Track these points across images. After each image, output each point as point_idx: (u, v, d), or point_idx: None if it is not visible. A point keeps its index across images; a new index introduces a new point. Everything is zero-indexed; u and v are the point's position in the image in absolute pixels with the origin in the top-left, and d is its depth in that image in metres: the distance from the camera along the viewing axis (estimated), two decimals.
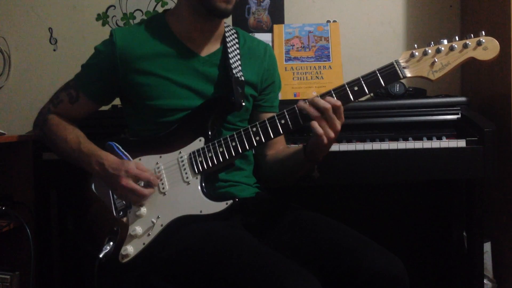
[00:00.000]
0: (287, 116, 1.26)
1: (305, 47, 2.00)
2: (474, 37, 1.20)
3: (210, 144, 1.30)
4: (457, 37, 1.22)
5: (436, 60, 1.21)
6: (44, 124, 1.46)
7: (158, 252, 1.25)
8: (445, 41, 1.22)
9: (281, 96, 1.71)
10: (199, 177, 1.29)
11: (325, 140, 1.22)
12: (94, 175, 1.37)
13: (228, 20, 1.64)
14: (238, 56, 1.42)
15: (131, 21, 2.35)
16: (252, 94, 1.46)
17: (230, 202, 1.26)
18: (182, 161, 1.31)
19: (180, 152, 1.32)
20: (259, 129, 1.27)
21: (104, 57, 1.40)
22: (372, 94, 1.72)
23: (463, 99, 1.82)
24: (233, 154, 1.28)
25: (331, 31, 2.02)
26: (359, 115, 1.78)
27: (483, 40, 1.19)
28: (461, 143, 1.67)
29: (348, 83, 1.24)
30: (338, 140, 1.67)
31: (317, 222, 1.31)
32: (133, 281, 1.27)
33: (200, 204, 1.27)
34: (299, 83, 1.93)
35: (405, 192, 2.15)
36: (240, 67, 1.41)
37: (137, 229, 1.29)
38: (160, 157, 1.34)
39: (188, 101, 1.37)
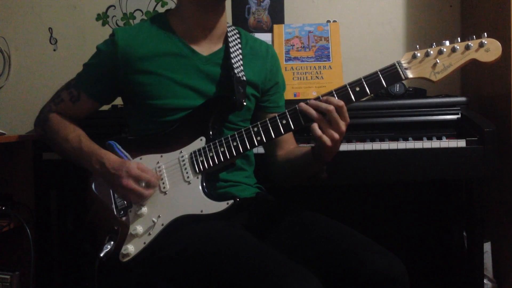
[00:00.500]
0: (288, 116, 1.26)
1: (305, 47, 2.00)
2: (476, 38, 1.20)
3: (211, 143, 1.30)
4: (459, 39, 1.22)
5: (438, 61, 1.21)
6: (45, 123, 1.46)
7: (159, 251, 1.25)
8: (447, 42, 1.22)
9: None
10: (200, 176, 1.29)
11: (328, 142, 1.21)
12: (94, 174, 1.37)
13: (228, 20, 1.64)
14: (240, 56, 1.42)
15: (131, 21, 2.35)
16: (253, 94, 1.46)
17: (231, 202, 1.25)
18: (183, 160, 1.31)
19: (181, 152, 1.32)
20: (260, 129, 1.27)
21: (105, 56, 1.40)
22: (372, 94, 1.72)
23: (463, 99, 1.82)
24: (234, 154, 1.28)
25: (331, 31, 2.02)
26: (359, 115, 1.78)
27: (485, 42, 1.19)
28: (461, 143, 1.67)
29: (349, 84, 1.24)
30: None
31: (317, 222, 1.31)
32: (133, 281, 1.27)
33: (201, 203, 1.27)
34: (299, 83, 1.93)
35: (405, 192, 2.15)
36: (241, 67, 1.41)
37: (138, 228, 1.29)
38: (161, 156, 1.34)
39: (190, 100, 1.37)
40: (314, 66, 1.96)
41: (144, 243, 1.28)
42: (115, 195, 1.34)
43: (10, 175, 1.85)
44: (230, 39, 1.44)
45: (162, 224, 1.28)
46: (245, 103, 1.36)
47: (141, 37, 1.39)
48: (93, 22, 2.34)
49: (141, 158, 1.35)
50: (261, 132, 1.27)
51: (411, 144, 1.68)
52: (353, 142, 1.71)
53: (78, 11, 2.35)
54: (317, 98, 1.24)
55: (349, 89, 1.23)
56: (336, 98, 1.23)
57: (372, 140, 1.73)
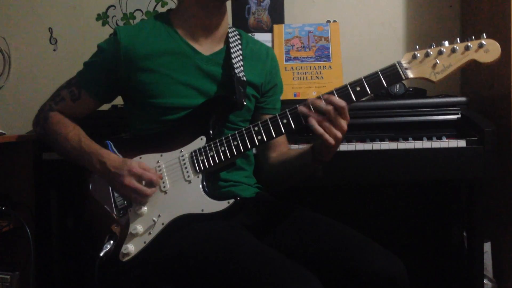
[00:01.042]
0: (289, 115, 1.26)
1: (305, 47, 2.00)
2: (476, 39, 1.21)
3: (211, 143, 1.30)
4: (458, 39, 1.22)
5: (438, 61, 1.21)
6: (45, 122, 1.45)
7: (159, 251, 1.25)
8: (447, 43, 1.22)
9: (281, 96, 1.71)
10: (200, 176, 1.29)
11: (332, 141, 1.21)
12: (94, 174, 1.37)
13: (228, 20, 1.64)
14: (241, 57, 1.43)
15: (131, 21, 2.35)
16: (253, 94, 1.46)
17: (232, 201, 1.25)
18: (183, 159, 1.31)
19: (181, 151, 1.32)
20: (261, 128, 1.27)
21: (107, 55, 1.40)
22: (372, 94, 1.72)
23: (463, 99, 1.82)
24: (235, 153, 1.28)
25: (331, 31, 2.02)
26: (359, 115, 1.78)
27: (485, 43, 1.19)
28: (461, 143, 1.67)
29: (350, 84, 1.24)
30: None
31: (317, 222, 1.31)
32: (133, 280, 1.27)
33: (202, 202, 1.27)
34: (299, 83, 1.93)
35: (405, 192, 2.15)
36: (242, 68, 1.41)
37: (138, 227, 1.29)
38: (161, 155, 1.34)
39: (191, 99, 1.37)
40: (314, 66, 1.96)
41: (144, 242, 1.28)
42: (115, 194, 1.34)
43: (10, 175, 1.86)
44: (231, 40, 1.44)
45: (163, 224, 1.28)
46: (245, 103, 1.36)
47: (143, 36, 1.39)
48: (93, 22, 2.34)
49: (141, 157, 1.35)
50: (262, 131, 1.27)
51: (411, 144, 1.68)
52: (353, 142, 1.71)
53: (78, 11, 2.35)
54: (318, 98, 1.24)
55: (349, 88, 1.23)
56: (337, 97, 1.23)
57: (372, 140, 1.73)
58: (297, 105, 1.25)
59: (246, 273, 1.08)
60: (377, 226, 2.11)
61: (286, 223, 1.33)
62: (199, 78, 1.39)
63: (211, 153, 1.29)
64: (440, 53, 1.21)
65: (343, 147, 1.67)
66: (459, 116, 1.78)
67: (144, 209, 1.30)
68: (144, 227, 1.29)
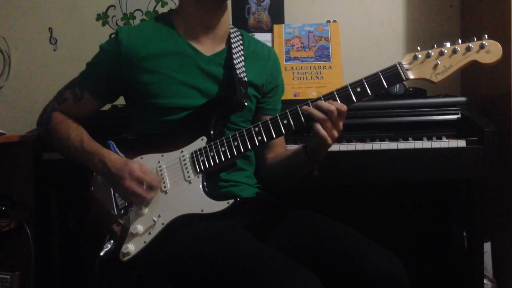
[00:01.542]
0: (289, 116, 1.26)
1: (305, 47, 2.00)
2: (477, 40, 1.21)
3: (212, 143, 1.30)
4: (459, 40, 1.22)
5: (439, 62, 1.21)
6: (47, 122, 1.46)
7: (159, 250, 1.25)
8: (448, 44, 1.22)
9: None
10: (200, 176, 1.29)
11: (330, 141, 1.25)
12: (96, 174, 1.37)
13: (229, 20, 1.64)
14: (242, 58, 1.43)
15: (131, 21, 2.35)
16: (255, 95, 1.46)
17: (231, 201, 1.26)
18: (184, 160, 1.31)
19: (182, 151, 1.32)
20: (261, 129, 1.28)
21: (109, 55, 1.40)
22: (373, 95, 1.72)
23: (463, 99, 1.82)
24: (235, 154, 1.29)
25: (331, 31, 2.02)
26: (359, 115, 1.78)
27: (486, 44, 1.19)
28: (461, 143, 1.67)
29: (350, 84, 1.24)
30: (338, 140, 1.67)
31: (317, 222, 1.31)
32: (133, 280, 1.27)
33: (202, 203, 1.27)
34: (299, 83, 1.93)
35: (405, 192, 2.15)
36: (243, 68, 1.41)
37: (138, 227, 1.29)
38: (162, 155, 1.34)
39: (193, 100, 1.37)
40: (314, 66, 1.96)
41: (145, 242, 1.28)
42: (116, 194, 1.34)
43: (10, 175, 1.86)
44: (232, 41, 1.44)
45: (163, 224, 1.28)
46: (246, 104, 1.37)
47: (145, 36, 1.40)
48: (93, 22, 2.34)
49: (142, 158, 1.35)
50: (262, 132, 1.27)
51: (411, 144, 1.68)
52: (353, 142, 1.71)
53: (78, 11, 2.35)
54: (319, 98, 1.25)
55: (350, 89, 1.24)
56: (337, 98, 1.24)
57: (372, 140, 1.73)
58: (298, 106, 1.26)
59: (246, 273, 1.08)
60: (377, 226, 2.11)
61: (286, 223, 1.33)
62: (200, 78, 1.39)
63: (212, 154, 1.29)
64: (441, 54, 1.21)
65: (343, 147, 1.68)
66: (459, 116, 1.78)
67: (145, 209, 1.30)
68: (144, 227, 1.29)
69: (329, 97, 1.25)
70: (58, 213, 2.05)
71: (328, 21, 2.07)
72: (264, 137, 1.27)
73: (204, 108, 1.35)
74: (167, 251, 1.23)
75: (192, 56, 1.39)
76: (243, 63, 1.42)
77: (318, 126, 1.23)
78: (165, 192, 1.31)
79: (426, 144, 1.68)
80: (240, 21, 2.09)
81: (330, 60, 1.97)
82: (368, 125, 1.80)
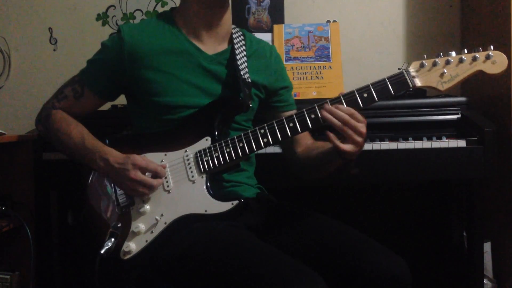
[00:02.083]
0: (295, 119, 1.26)
1: (305, 47, 2.00)
2: (483, 50, 1.22)
3: (216, 144, 1.30)
4: (465, 50, 1.24)
5: (446, 71, 1.23)
6: (47, 120, 1.44)
7: (161, 250, 1.25)
8: (453, 53, 1.24)
9: None
10: (204, 176, 1.29)
11: (351, 148, 1.22)
12: (96, 172, 1.37)
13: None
14: (245, 58, 1.43)
15: (131, 21, 2.35)
16: (257, 94, 1.46)
17: (235, 202, 1.25)
18: (188, 159, 1.31)
19: (186, 151, 1.32)
20: (267, 131, 1.27)
21: (111, 52, 1.39)
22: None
23: (463, 99, 1.82)
24: (240, 155, 1.28)
25: (331, 31, 2.02)
26: None
27: (492, 54, 1.21)
28: (461, 143, 1.67)
29: (357, 90, 1.25)
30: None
31: (319, 222, 1.31)
32: (134, 278, 1.27)
33: (205, 203, 1.27)
34: (299, 83, 1.93)
35: (405, 192, 2.15)
36: (246, 68, 1.41)
37: (140, 226, 1.28)
38: (165, 155, 1.33)
39: (195, 98, 1.37)
40: (314, 66, 1.96)
41: (146, 241, 1.28)
42: (117, 192, 1.34)
43: (10, 175, 1.86)
44: (235, 41, 1.44)
45: (165, 223, 1.28)
46: (251, 105, 1.37)
47: (147, 34, 1.39)
48: (93, 22, 2.35)
49: (144, 156, 1.34)
50: (268, 134, 1.27)
51: (411, 144, 1.68)
52: None
53: (78, 11, 2.35)
54: (326, 103, 1.24)
55: (357, 95, 1.24)
56: (344, 103, 1.23)
57: (372, 140, 1.73)
58: (304, 109, 1.26)
59: (250, 273, 1.08)
60: (376, 226, 2.11)
61: (288, 224, 1.33)
62: (202, 77, 1.39)
63: (216, 154, 1.29)
64: (447, 62, 1.23)
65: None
66: (459, 116, 1.78)
67: (147, 207, 1.30)
68: (147, 226, 1.29)
69: (335, 101, 1.24)
70: (58, 213, 2.05)
71: (328, 21, 2.07)
72: (270, 139, 1.27)
73: (208, 108, 1.35)
74: (169, 250, 1.23)
75: (194, 54, 1.39)
76: (246, 63, 1.42)
77: (335, 141, 1.22)
78: (168, 191, 1.30)
79: (426, 144, 1.68)
80: (240, 21, 2.09)
81: (330, 60, 1.97)
82: (368, 125, 1.78)
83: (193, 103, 1.36)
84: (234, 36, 1.45)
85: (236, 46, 1.43)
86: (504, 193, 1.88)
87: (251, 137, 1.28)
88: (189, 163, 1.30)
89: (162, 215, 1.28)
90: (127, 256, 1.28)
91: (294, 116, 1.26)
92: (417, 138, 1.72)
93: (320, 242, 1.23)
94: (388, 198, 2.15)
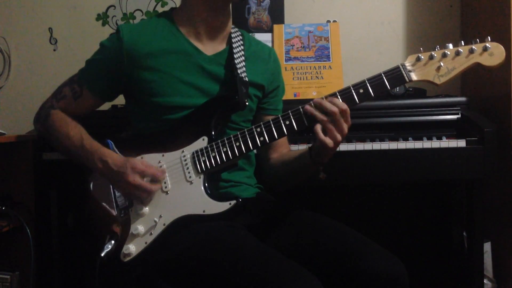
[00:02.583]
0: (291, 117, 1.26)
1: (305, 47, 2.00)
2: (480, 42, 1.20)
3: (213, 143, 1.30)
4: (462, 42, 1.22)
5: (442, 64, 1.21)
6: (45, 120, 1.44)
7: (160, 251, 1.25)
8: (451, 46, 1.22)
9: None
10: (202, 176, 1.29)
11: (331, 144, 1.22)
12: (95, 173, 1.37)
13: None
14: (243, 58, 1.43)
15: (131, 21, 2.35)
16: (256, 94, 1.46)
17: (233, 202, 1.25)
18: (185, 160, 1.31)
19: (183, 151, 1.32)
20: (263, 129, 1.27)
21: (110, 52, 1.39)
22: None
23: (463, 99, 1.82)
24: (237, 154, 1.28)
25: (331, 31, 2.02)
26: (359, 115, 1.78)
27: (489, 46, 1.19)
28: (461, 143, 1.67)
29: (353, 85, 1.24)
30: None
31: (317, 222, 1.31)
32: (134, 280, 1.27)
33: (203, 203, 1.27)
34: (299, 83, 1.93)
35: (405, 192, 2.15)
36: (244, 68, 1.41)
37: (139, 228, 1.28)
38: (163, 155, 1.33)
39: (193, 99, 1.37)
40: (314, 66, 1.96)
41: (146, 243, 1.28)
42: (116, 194, 1.34)
43: (10, 175, 1.86)
44: (233, 41, 1.44)
45: (164, 224, 1.28)
46: (247, 103, 1.36)
47: (147, 34, 1.39)
48: (93, 22, 2.34)
49: (142, 157, 1.35)
50: (264, 132, 1.27)
51: (411, 144, 1.68)
52: (353, 142, 1.71)
53: (78, 11, 2.35)
54: (321, 99, 1.24)
55: (353, 91, 1.23)
56: (340, 99, 1.23)
57: (372, 140, 1.73)
58: (300, 107, 1.25)
59: (247, 273, 1.08)
60: (377, 226, 2.11)
61: (287, 224, 1.33)
62: (201, 77, 1.39)
63: (213, 154, 1.29)
64: (444, 55, 1.21)
65: (343, 147, 1.67)
66: (459, 116, 1.78)
67: (146, 209, 1.30)
68: (145, 228, 1.29)
69: (332, 98, 1.24)
70: (58, 213, 2.05)
71: (328, 21, 2.07)
72: (266, 137, 1.27)
73: (204, 108, 1.35)
74: (168, 251, 1.23)
75: (193, 55, 1.39)
76: (243, 63, 1.42)
77: (318, 129, 1.22)
78: (166, 193, 1.30)
79: (426, 144, 1.68)
80: (240, 21, 2.09)
81: (330, 60, 1.97)
82: (368, 125, 1.80)
83: (191, 104, 1.36)
84: (232, 36, 1.45)
85: (234, 46, 1.43)
86: (504, 193, 1.88)
87: (247, 136, 1.28)
88: (186, 164, 1.30)
89: (160, 216, 1.28)
90: (127, 258, 1.28)
91: (290, 113, 1.26)
92: (417, 138, 1.72)
93: (318, 242, 1.24)
94: (388, 198, 2.15)
